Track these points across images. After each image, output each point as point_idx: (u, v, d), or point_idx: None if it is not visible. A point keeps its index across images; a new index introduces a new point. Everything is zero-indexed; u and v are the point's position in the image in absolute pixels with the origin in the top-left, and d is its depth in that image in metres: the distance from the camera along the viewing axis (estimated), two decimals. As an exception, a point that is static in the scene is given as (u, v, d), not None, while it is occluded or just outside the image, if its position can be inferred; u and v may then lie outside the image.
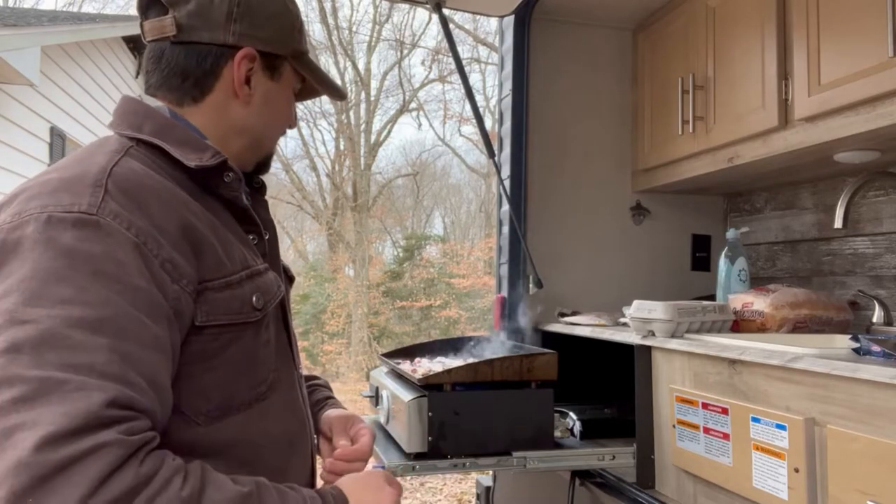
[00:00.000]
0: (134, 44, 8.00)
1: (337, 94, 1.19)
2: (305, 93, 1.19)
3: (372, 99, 13.96)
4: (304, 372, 1.36)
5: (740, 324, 1.86)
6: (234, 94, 1.04)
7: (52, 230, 0.80)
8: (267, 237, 1.09)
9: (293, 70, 1.11)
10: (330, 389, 1.36)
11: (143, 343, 0.80)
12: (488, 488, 2.59)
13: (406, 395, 1.69)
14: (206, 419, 0.91)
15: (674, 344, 1.66)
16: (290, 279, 1.24)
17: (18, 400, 0.71)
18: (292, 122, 1.16)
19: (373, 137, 13.96)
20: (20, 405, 0.71)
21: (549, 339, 2.39)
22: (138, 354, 0.79)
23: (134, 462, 0.74)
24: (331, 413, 1.24)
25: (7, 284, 0.78)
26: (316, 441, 1.19)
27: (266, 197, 1.18)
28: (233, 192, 1.01)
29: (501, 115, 2.66)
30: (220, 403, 0.92)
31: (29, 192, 0.86)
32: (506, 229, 2.57)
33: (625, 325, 1.97)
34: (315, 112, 14.04)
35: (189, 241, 0.89)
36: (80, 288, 0.78)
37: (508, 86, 2.57)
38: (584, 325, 2.19)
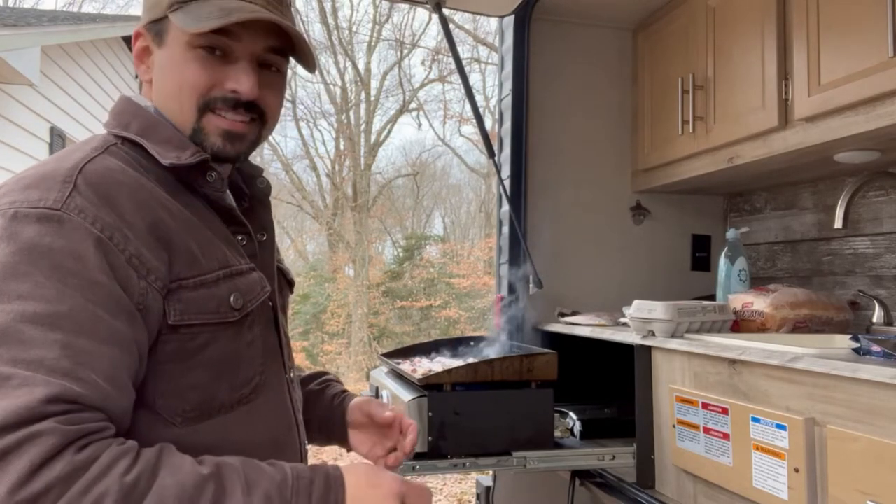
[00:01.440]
0: (134, 44, 7.99)
1: (206, 22, 0.93)
2: (299, 55, 1.04)
3: (372, 99, 13.96)
4: (312, 370, 1.35)
5: (740, 324, 1.86)
6: (142, 78, 1.03)
7: (16, 225, 0.81)
8: (264, 238, 1.08)
9: (176, 27, 0.96)
10: (340, 383, 1.34)
11: (100, 338, 0.79)
12: (488, 488, 2.59)
13: (406, 395, 1.70)
14: (184, 420, 0.89)
15: (674, 344, 1.66)
16: (288, 283, 1.21)
17: None
18: (222, 85, 0.97)
19: (373, 137, 13.96)
20: None
21: (549, 339, 2.39)
22: (93, 350, 0.78)
23: (70, 450, 0.73)
24: (353, 405, 1.25)
25: None
26: (306, 446, 1.15)
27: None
28: (216, 192, 0.99)
29: (501, 115, 2.66)
30: (199, 405, 0.91)
31: (4, 189, 0.86)
32: (506, 229, 2.57)
33: (625, 325, 1.97)
34: (315, 112, 14.05)
35: (159, 237, 0.88)
36: (37, 283, 0.78)
37: (508, 86, 2.57)
38: (584, 325, 2.19)
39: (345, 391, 1.29)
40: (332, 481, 0.86)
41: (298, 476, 0.84)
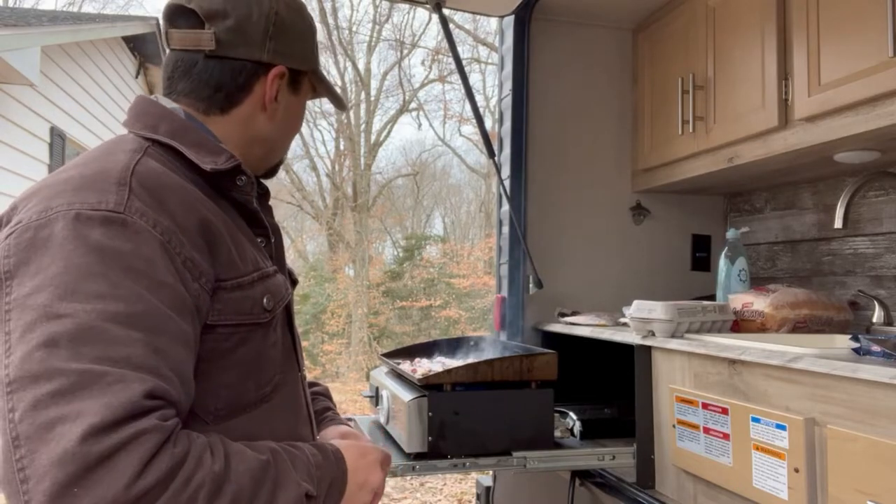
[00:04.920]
0: (134, 44, 8.01)
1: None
2: None
3: (372, 99, 13.96)
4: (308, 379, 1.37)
5: (740, 324, 1.86)
6: (263, 107, 1.07)
7: (81, 227, 0.82)
8: (273, 241, 1.11)
9: (311, 85, 1.16)
10: (329, 398, 1.36)
11: (172, 337, 0.82)
12: (488, 488, 2.59)
13: (406, 395, 1.69)
14: (215, 418, 0.92)
15: (674, 344, 1.66)
16: (293, 282, 1.25)
17: (57, 393, 0.73)
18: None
19: (373, 137, 13.96)
20: (59, 398, 0.73)
21: (549, 339, 2.39)
22: (168, 348, 0.81)
23: (169, 445, 0.76)
24: (327, 433, 1.25)
25: (39, 280, 0.79)
26: (318, 439, 1.19)
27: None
28: (245, 196, 1.03)
29: (501, 115, 2.66)
30: (229, 402, 0.94)
31: (51, 190, 0.86)
32: (506, 229, 2.57)
33: (625, 325, 1.97)
34: (315, 112, 14.04)
35: (206, 239, 0.91)
36: (113, 284, 0.80)
37: (508, 86, 2.57)
38: (584, 325, 2.18)
39: (328, 409, 1.31)
40: (337, 456, 0.99)
41: (314, 454, 0.95)
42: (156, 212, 0.86)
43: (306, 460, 0.92)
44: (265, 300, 0.98)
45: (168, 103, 1.03)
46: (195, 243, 0.89)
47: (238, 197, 1.02)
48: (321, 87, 1.17)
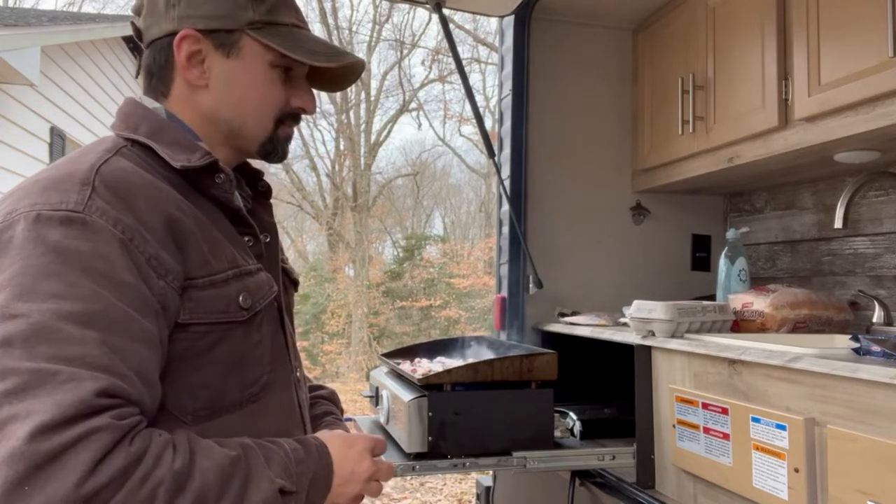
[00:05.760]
0: (134, 44, 8.01)
1: (325, 60, 1.04)
2: (328, 79, 1.13)
3: (372, 99, 13.97)
4: (311, 379, 1.35)
5: (740, 324, 1.86)
6: (190, 80, 1.01)
7: (40, 228, 0.82)
8: (268, 240, 1.10)
9: (261, 44, 1.02)
10: (335, 402, 1.33)
11: (133, 336, 0.82)
12: (488, 488, 2.60)
13: (406, 395, 1.69)
14: (194, 419, 0.92)
15: (674, 344, 1.66)
16: (293, 282, 1.23)
17: (10, 392, 0.73)
18: (290, 102, 1.07)
19: (373, 137, 13.97)
20: (12, 397, 0.73)
21: (549, 339, 2.39)
22: (127, 347, 0.81)
23: (124, 443, 0.76)
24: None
25: None
26: None
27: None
28: (224, 194, 1.01)
29: (501, 115, 2.66)
30: (209, 403, 0.93)
31: (21, 192, 0.88)
32: (506, 229, 2.57)
33: (625, 325, 1.97)
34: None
35: (174, 237, 0.90)
36: (70, 283, 0.79)
37: (508, 86, 2.57)
38: (584, 325, 2.18)
39: (328, 413, 1.28)
40: (320, 450, 0.98)
41: (294, 449, 0.95)
42: (118, 210, 0.85)
43: (284, 456, 0.91)
44: (241, 298, 0.97)
45: (150, 103, 1.03)
46: (161, 241, 0.88)
47: (218, 195, 1.01)
48: (273, 42, 1.01)
